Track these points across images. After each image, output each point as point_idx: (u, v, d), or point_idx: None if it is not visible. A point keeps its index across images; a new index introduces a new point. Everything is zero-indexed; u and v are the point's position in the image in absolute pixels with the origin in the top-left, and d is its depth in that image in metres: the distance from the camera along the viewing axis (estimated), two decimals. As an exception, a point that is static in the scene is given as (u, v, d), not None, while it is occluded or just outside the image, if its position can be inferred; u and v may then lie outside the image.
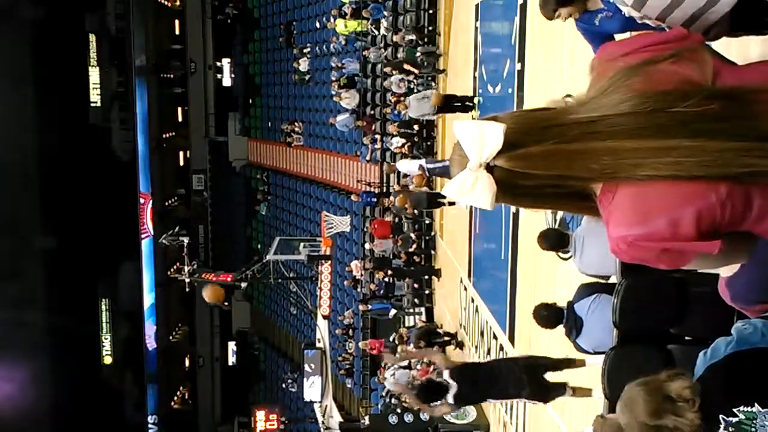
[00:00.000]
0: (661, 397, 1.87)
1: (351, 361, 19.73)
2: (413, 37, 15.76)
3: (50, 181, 25.30)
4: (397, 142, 16.20)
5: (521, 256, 9.58)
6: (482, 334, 11.77)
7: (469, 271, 12.96)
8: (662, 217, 1.42)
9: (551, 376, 6.05)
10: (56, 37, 24.79)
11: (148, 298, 26.49)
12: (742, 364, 1.91)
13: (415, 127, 15.88)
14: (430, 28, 15.97)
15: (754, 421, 1.85)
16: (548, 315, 5.49)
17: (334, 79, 20.32)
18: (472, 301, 12.57)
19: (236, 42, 28.50)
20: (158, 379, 27.28)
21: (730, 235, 1.48)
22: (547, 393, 6.09)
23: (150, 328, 26.71)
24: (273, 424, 21.33)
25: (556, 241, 5.55)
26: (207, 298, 15.60)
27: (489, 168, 1.44)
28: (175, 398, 29.57)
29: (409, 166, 13.82)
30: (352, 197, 19.70)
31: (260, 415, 21.46)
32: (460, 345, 13.87)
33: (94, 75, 26.07)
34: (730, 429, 1.86)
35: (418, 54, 15.57)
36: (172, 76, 28.48)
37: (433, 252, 16.41)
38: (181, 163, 29.36)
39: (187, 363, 30.47)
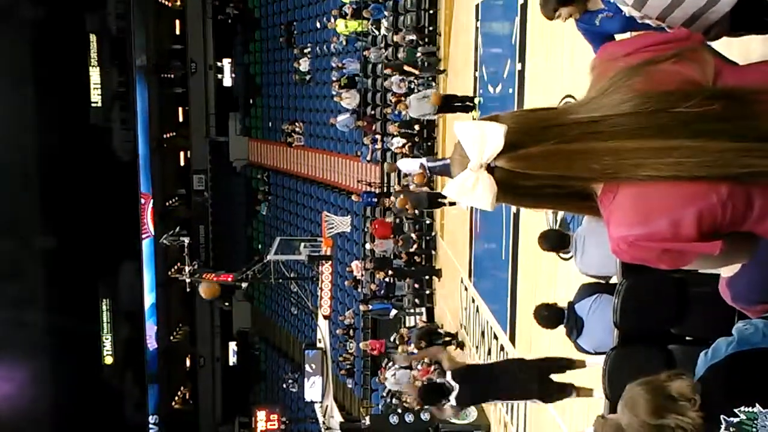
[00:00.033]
0: (662, 396, 1.87)
1: (352, 362, 19.73)
2: (414, 37, 15.76)
3: (50, 181, 25.28)
4: (397, 142, 16.20)
5: (522, 256, 9.58)
6: (483, 334, 11.77)
7: (469, 271, 12.96)
8: (663, 218, 1.42)
9: (557, 377, 6.06)
10: (57, 37, 24.78)
11: (149, 299, 26.50)
12: (743, 364, 1.91)
13: (416, 127, 15.88)
14: (431, 28, 15.96)
15: (755, 422, 1.85)
16: (549, 315, 5.49)
17: (334, 79, 20.32)
18: (473, 301, 12.57)
19: (237, 42, 28.51)
20: (159, 379, 27.29)
21: (731, 235, 1.48)
22: (554, 394, 6.11)
23: (151, 329, 26.72)
24: (274, 425, 21.32)
25: (556, 242, 5.55)
26: (203, 294, 16.60)
27: (490, 169, 1.44)
28: (176, 398, 29.58)
29: (410, 165, 13.83)
30: (353, 197, 19.70)
31: (261, 415, 21.45)
32: (461, 345, 13.87)
33: (94, 75, 26.04)
34: (731, 429, 1.86)
35: (418, 54, 15.58)
36: (172, 76, 28.49)
37: (433, 252, 16.41)
38: (182, 163, 29.36)
39: (187, 363, 30.48)
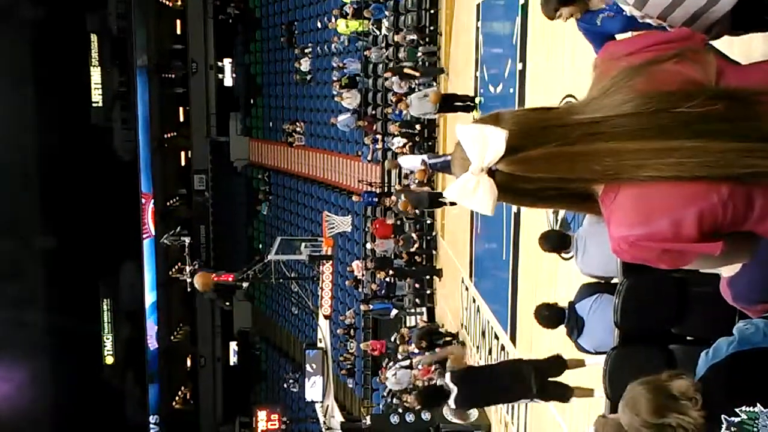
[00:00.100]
0: (663, 396, 1.87)
1: (352, 361, 19.74)
2: (414, 37, 15.76)
3: (51, 181, 25.30)
4: (398, 141, 16.19)
5: (522, 256, 9.58)
6: (484, 334, 11.76)
7: (470, 271, 12.96)
8: (664, 218, 1.42)
9: (556, 378, 6.06)
10: (57, 37, 24.79)
11: (150, 298, 26.52)
12: (743, 364, 1.91)
13: (417, 126, 15.88)
14: (432, 28, 15.96)
15: (756, 421, 1.85)
16: (550, 315, 5.49)
17: (335, 79, 20.32)
18: (474, 301, 12.56)
19: (237, 42, 28.52)
20: (160, 379, 27.31)
21: (732, 235, 1.48)
22: (553, 395, 6.11)
23: (151, 328, 26.74)
24: (274, 424, 21.31)
25: (557, 242, 5.54)
26: (197, 285, 17.38)
27: (490, 172, 1.44)
28: (177, 398, 29.59)
29: (411, 162, 13.83)
30: (354, 197, 19.70)
31: (262, 415, 21.44)
32: (462, 345, 13.86)
33: (95, 75, 26.08)
34: (732, 429, 1.86)
35: (419, 54, 15.57)
36: (173, 76, 28.50)
37: (434, 252, 16.41)
38: (183, 163, 29.38)
39: (188, 363, 30.50)
